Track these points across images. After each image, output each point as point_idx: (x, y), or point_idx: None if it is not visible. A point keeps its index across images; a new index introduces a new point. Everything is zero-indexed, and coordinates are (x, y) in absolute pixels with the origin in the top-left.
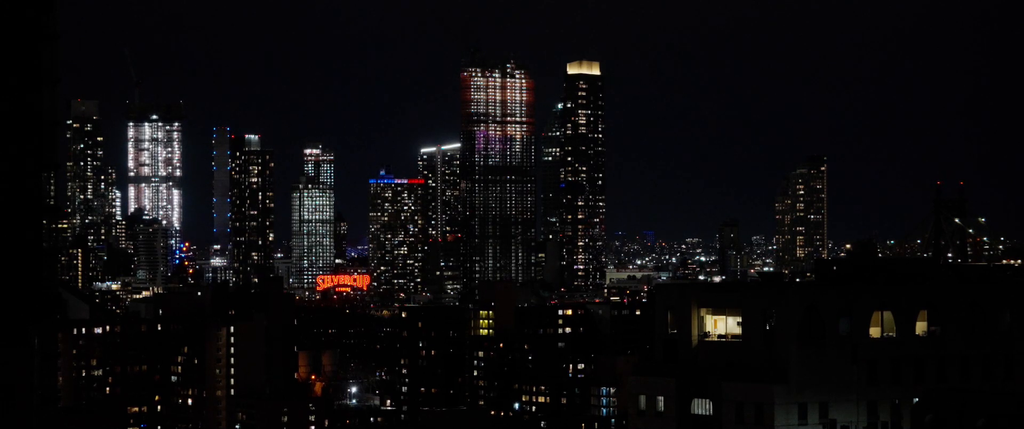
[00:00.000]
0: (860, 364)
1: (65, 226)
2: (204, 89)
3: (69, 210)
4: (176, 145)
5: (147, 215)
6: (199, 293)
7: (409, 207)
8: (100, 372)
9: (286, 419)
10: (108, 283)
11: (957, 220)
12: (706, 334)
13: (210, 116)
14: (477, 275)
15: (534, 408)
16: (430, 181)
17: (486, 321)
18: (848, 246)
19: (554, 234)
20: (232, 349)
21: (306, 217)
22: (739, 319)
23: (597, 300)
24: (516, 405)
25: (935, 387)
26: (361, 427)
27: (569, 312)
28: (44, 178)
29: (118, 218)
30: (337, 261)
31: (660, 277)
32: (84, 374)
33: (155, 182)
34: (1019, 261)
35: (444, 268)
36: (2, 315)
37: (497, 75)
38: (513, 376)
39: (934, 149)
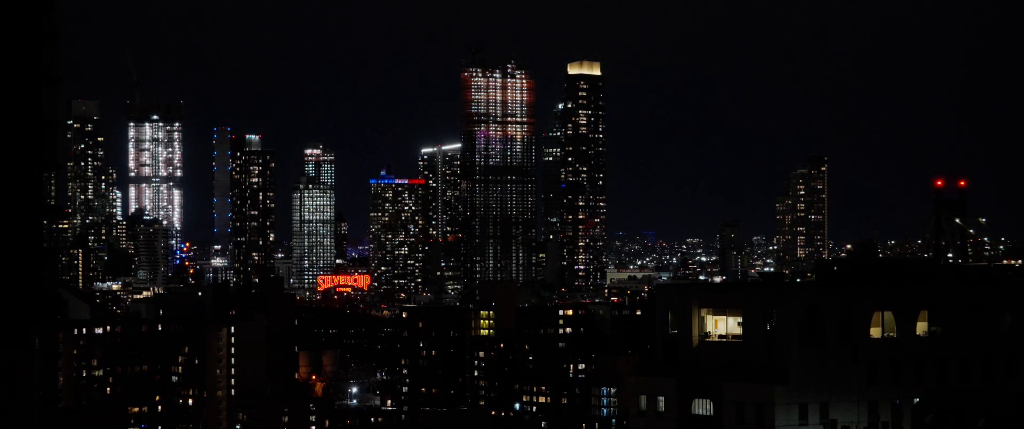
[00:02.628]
0: (860, 364)
1: (66, 226)
2: (204, 89)
3: (70, 210)
4: (177, 145)
5: (148, 215)
6: (200, 293)
7: (410, 207)
8: (101, 372)
9: (287, 419)
10: (109, 283)
11: (957, 220)
12: (707, 334)
13: (210, 116)
14: (478, 275)
15: (535, 408)
16: (431, 181)
17: (486, 321)
18: (848, 246)
19: (555, 234)
20: (233, 349)
21: (307, 217)
22: (740, 319)
23: (592, 300)
24: (517, 405)
25: (936, 387)
26: (362, 427)
27: (569, 312)
28: (45, 178)
29: (119, 218)
30: (338, 261)
31: (661, 277)
32: (85, 374)
33: (156, 182)
34: (1019, 261)
35: (445, 268)
36: (2, 315)
37: (498, 75)
38: (514, 376)
39: (934, 149)
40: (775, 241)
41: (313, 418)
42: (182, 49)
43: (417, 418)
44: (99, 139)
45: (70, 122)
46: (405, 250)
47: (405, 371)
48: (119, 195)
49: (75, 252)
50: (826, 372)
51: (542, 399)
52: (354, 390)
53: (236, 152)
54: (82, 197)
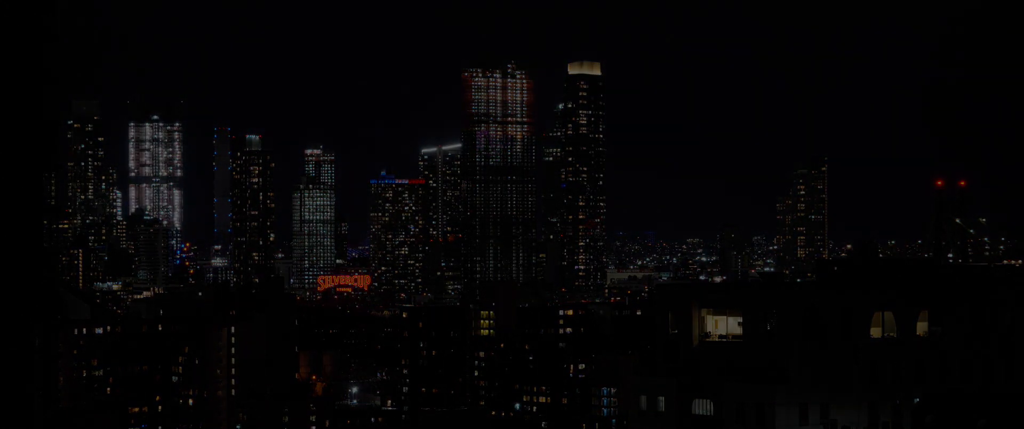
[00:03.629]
0: (861, 364)
1: (66, 226)
2: (204, 89)
3: (70, 210)
4: (177, 145)
5: (148, 215)
6: (200, 293)
7: (410, 207)
8: (101, 372)
9: (287, 419)
10: (109, 283)
11: (958, 220)
12: (707, 334)
13: (210, 116)
14: (478, 275)
15: (535, 408)
16: (431, 181)
17: (487, 321)
18: (849, 246)
19: (555, 234)
20: (233, 349)
21: (307, 217)
22: (740, 319)
23: (592, 300)
24: (517, 405)
25: (936, 388)
26: (362, 427)
27: (569, 312)
28: (45, 178)
29: (119, 218)
30: (338, 261)
31: (661, 277)
32: (85, 374)
33: (156, 182)
34: (1020, 261)
35: (445, 268)
36: (2, 315)
37: (498, 75)
38: (514, 376)
39: (934, 149)
40: (775, 241)
41: (313, 418)
42: (182, 49)
43: (417, 418)
44: (99, 139)
45: (70, 122)
46: (405, 250)
47: (405, 371)
48: (119, 195)
49: (75, 252)
50: (826, 372)
51: (542, 399)
52: (354, 390)
53: (236, 152)
54: (82, 197)
